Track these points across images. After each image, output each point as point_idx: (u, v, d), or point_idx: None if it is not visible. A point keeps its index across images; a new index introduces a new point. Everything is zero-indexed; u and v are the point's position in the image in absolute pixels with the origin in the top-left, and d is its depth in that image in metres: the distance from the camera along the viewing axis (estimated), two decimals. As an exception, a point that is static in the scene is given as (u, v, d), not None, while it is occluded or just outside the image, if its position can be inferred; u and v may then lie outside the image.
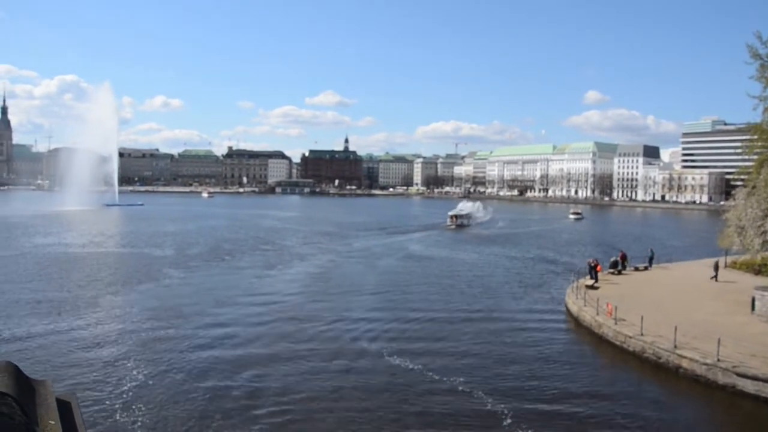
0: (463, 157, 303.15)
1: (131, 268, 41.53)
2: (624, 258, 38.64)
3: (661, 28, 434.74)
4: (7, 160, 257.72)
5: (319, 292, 34.51)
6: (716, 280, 33.90)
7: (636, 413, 16.87)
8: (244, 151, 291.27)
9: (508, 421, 15.94)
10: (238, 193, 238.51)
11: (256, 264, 45.34)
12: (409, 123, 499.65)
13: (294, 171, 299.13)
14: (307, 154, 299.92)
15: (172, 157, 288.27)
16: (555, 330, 26.65)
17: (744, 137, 48.01)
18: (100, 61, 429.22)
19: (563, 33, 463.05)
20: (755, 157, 37.25)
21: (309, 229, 79.29)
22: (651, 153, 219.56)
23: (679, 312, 25.11)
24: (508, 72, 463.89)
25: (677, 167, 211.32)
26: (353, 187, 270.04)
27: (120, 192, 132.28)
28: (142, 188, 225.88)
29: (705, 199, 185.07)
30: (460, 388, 18.33)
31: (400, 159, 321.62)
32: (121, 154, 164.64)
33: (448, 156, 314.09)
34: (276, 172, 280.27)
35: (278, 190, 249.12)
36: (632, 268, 39.14)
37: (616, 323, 23.62)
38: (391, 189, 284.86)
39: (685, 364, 19.56)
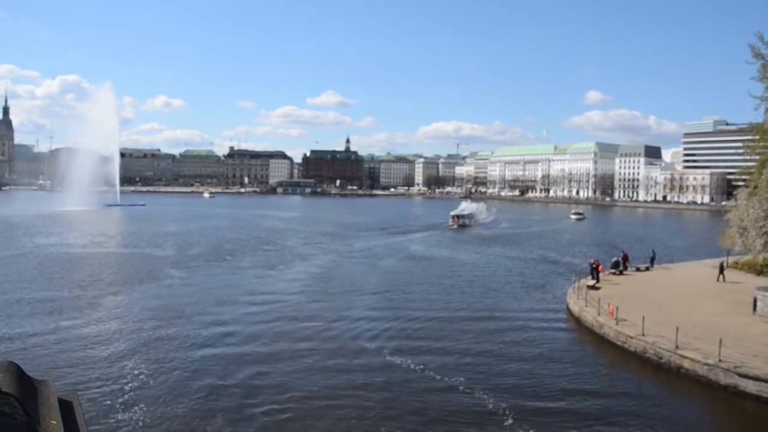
0: (464, 158, 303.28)
1: (132, 268, 41.58)
2: (625, 258, 38.61)
3: (662, 28, 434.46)
4: (9, 161, 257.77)
5: (319, 291, 34.54)
6: (723, 281, 33.55)
7: (637, 413, 16.87)
8: (246, 151, 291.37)
9: (509, 420, 15.95)
10: (240, 193, 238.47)
11: (257, 264, 45.37)
12: (410, 123, 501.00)
13: (295, 171, 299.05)
14: (308, 154, 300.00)
15: (173, 157, 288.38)
16: (556, 330, 26.66)
17: (746, 137, 47.93)
18: (101, 61, 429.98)
19: (563, 33, 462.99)
20: (757, 157, 37.25)
21: (310, 229, 79.31)
22: (652, 153, 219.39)
23: (681, 312, 25.09)
24: (508, 72, 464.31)
25: (679, 167, 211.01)
26: (354, 188, 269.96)
27: (121, 192, 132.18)
28: (144, 188, 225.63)
29: (707, 199, 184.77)
30: (461, 387, 18.34)
31: (401, 159, 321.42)
32: (122, 155, 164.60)
33: (450, 156, 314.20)
34: (277, 173, 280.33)
35: (279, 190, 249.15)
36: (634, 269, 39.12)
37: (617, 323, 23.60)
38: (392, 189, 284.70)
39: (686, 364, 19.55)
